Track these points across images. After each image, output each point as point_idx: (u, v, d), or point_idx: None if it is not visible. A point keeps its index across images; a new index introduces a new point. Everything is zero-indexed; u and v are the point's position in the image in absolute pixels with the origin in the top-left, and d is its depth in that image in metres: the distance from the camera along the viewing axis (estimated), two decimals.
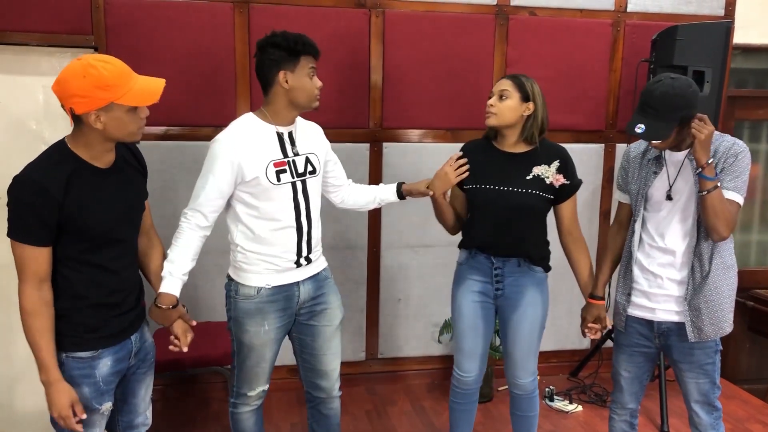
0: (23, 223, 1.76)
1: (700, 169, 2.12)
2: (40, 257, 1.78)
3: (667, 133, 2.12)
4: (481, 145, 2.63)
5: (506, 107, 2.48)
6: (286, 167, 2.33)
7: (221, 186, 2.27)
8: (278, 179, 2.30)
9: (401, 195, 2.64)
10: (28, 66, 3.28)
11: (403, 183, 2.66)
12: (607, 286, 2.57)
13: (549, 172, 2.51)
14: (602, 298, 2.51)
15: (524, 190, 2.49)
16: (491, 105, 2.50)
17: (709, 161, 2.10)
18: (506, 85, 2.50)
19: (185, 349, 2.17)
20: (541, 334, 2.64)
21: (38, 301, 1.79)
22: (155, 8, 3.35)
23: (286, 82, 2.29)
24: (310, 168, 2.40)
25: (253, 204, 2.32)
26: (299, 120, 2.46)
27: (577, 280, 2.62)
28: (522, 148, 2.56)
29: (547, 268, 2.63)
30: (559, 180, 2.52)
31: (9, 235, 1.78)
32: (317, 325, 2.48)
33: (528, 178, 2.51)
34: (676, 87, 2.10)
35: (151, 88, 1.84)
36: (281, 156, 2.33)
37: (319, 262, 2.51)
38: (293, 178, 2.34)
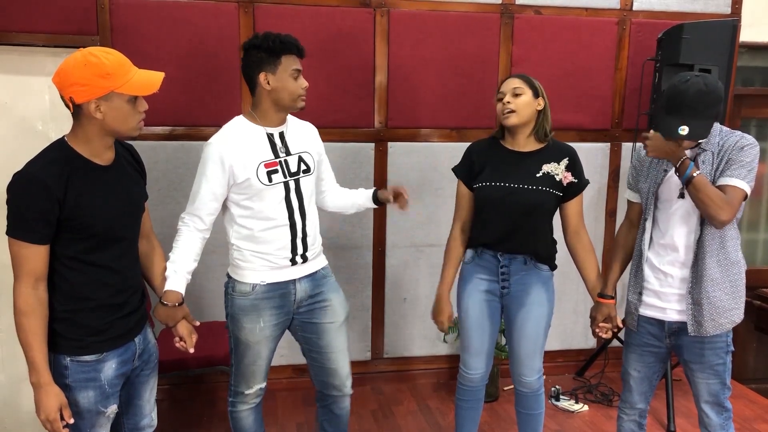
0: (22, 220, 1.74)
1: (677, 174, 2.17)
2: (38, 256, 1.77)
3: (708, 131, 2.13)
4: (489, 144, 2.63)
5: (523, 103, 2.48)
6: (278, 167, 2.35)
7: (215, 188, 2.30)
8: (270, 180, 2.32)
9: (377, 200, 2.62)
10: (34, 66, 3.29)
11: (379, 189, 2.64)
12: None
13: (559, 170, 2.51)
14: (612, 297, 2.49)
15: (535, 187, 2.49)
16: (508, 102, 2.48)
17: (678, 164, 2.13)
18: (517, 82, 2.50)
19: (191, 350, 2.17)
20: (546, 332, 2.63)
21: (33, 300, 1.77)
22: (160, 9, 3.35)
23: (268, 83, 2.30)
24: (303, 167, 2.41)
25: (246, 205, 2.34)
26: (291, 119, 2.47)
27: (584, 280, 2.61)
28: (532, 147, 2.55)
29: (553, 267, 2.63)
30: (567, 178, 2.52)
31: (7, 232, 1.77)
32: (320, 322, 2.48)
33: (538, 175, 2.51)
34: (708, 84, 2.11)
35: (150, 79, 1.84)
36: (272, 157, 2.34)
37: (317, 261, 2.51)
38: (285, 177, 2.36)
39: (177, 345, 2.19)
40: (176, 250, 2.26)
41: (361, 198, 2.65)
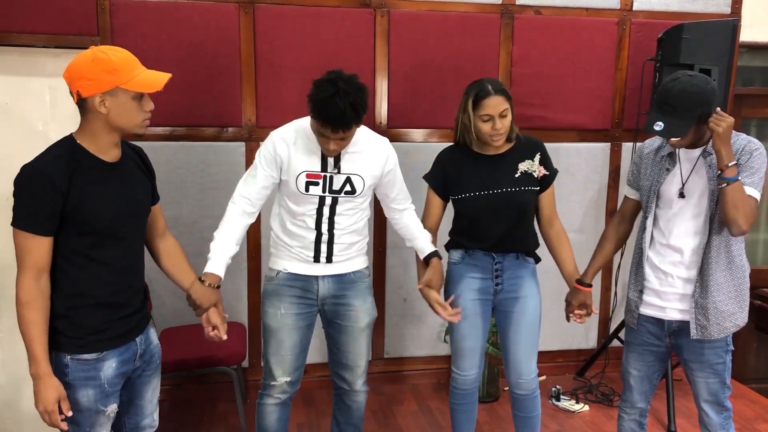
0: (27, 211, 1.78)
1: (719, 171, 2.10)
2: (41, 247, 1.79)
3: (685, 131, 2.11)
4: (458, 151, 2.61)
5: (509, 121, 2.48)
6: (320, 181, 2.38)
7: (266, 176, 2.39)
8: (306, 190, 2.38)
9: (426, 260, 2.59)
10: (35, 67, 3.29)
11: (436, 256, 2.59)
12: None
13: (534, 166, 2.56)
14: (590, 286, 2.54)
15: (517, 188, 2.52)
16: (500, 128, 2.44)
17: (730, 164, 2.07)
18: (503, 103, 2.43)
19: (225, 337, 2.24)
20: (539, 326, 2.66)
21: (35, 291, 1.79)
22: (160, 9, 3.35)
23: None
24: (348, 188, 2.41)
25: (285, 199, 2.46)
26: (364, 137, 2.45)
27: (559, 267, 2.64)
28: (503, 148, 2.56)
29: (537, 259, 2.68)
30: (542, 171, 2.57)
31: (13, 223, 1.80)
32: (342, 323, 2.55)
33: (517, 176, 2.53)
34: (694, 84, 2.10)
35: (156, 78, 1.89)
36: (318, 169, 2.38)
37: (347, 264, 2.52)
38: (324, 192, 2.39)
39: (210, 335, 2.23)
40: (220, 231, 2.35)
41: (418, 246, 2.63)
